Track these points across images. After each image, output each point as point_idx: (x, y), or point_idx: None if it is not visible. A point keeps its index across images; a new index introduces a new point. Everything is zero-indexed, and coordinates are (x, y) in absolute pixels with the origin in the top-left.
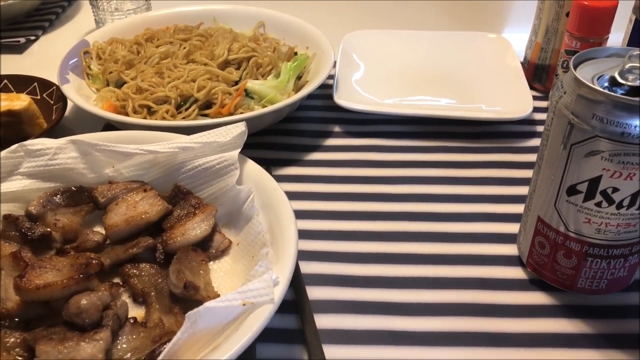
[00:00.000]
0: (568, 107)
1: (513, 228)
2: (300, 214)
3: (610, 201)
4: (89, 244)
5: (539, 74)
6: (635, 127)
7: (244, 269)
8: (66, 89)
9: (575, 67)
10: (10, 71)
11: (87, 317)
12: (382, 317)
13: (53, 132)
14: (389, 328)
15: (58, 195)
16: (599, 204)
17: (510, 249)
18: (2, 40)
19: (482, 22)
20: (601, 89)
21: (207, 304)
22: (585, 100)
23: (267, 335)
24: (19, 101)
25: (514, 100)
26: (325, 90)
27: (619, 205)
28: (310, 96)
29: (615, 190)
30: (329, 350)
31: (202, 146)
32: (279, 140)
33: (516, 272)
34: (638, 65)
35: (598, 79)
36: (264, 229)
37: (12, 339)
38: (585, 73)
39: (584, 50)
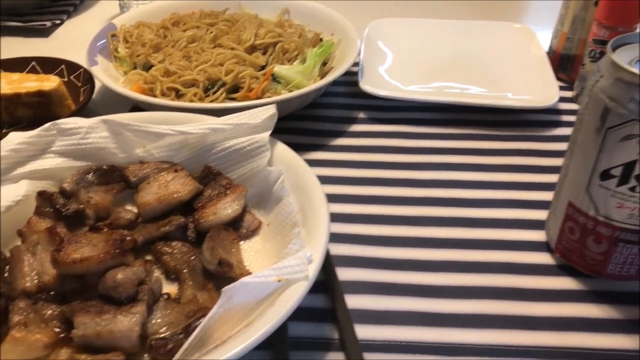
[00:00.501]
0: (605, 91)
1: (540, 215)
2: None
3: None
4: (121, 222)
5: (564, 63)
6: None
7: (275, 249)
8: (95, 71)
9: (612, 52)
10: (37, 54)
11: (124, 291)
12: (411, 299)
13: (81, 113)
14: (418, 310)
15: (91, 174)
16: (632, 189)
17: (537, 235)
18: (29, 24)
19: (505, 12)
20: None
21: (243, 280)
22: (622, 83)
23: (298, 313)
24: (49, 82)
25: (540, 89)
26: (350, 77)
27: None
28: (334, 83)
29: None
30: (360, 329)
31: (233, 128)
32: (304, 126)
33: (544, 258)
34: None
35: (635, 62)
36: (295, 209)
37: (50, 311)
38: (622, 57)
39: (620, 35)
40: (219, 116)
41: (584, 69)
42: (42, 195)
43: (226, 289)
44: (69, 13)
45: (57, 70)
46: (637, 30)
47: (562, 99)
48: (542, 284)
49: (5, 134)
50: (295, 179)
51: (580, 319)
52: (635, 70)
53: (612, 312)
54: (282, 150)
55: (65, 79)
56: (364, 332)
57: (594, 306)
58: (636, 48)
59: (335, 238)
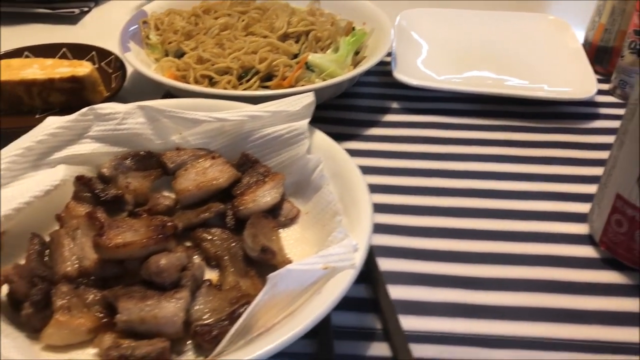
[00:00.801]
0: None
1: (580, 207)
2: None
3: None
4: (160, 208)
5: (600, 56)
6: None
7: (314, 238)
8: (129, 57)
9: None
10: (65, 41)
11: (167, 277)
12: (453, 290)
13: (113, 100)
14: (462, 301)
15: (129, 159)
16: None
17: (579, 228)
18: (58, 11)
19: (535, 4)
20: None
21: (289, 267)
22: None
23: (341, 303)
24: (82, 68)
25: (577, 81)
26: (382, 67)
27: None
28: (366, 72)
29: None
30: (403, 320)
31: (271, 115)
32: (337, 115)
33: (587, 251)
34: None
35: None
36: (335, 198)
37: (91, 296)
38: None
39: None
40: (253, 104)
41: (623, 60)
42: (80, 180)
43: (272, 275)
44: (96, 0)
45: (87, 57)
46: None
47: (599, 92)
48: (587, 277)
49: (39, 120)
50: (335, 167)
51: (627, 314)
52: None
53: None
54: (321, 138)
55: (97, 66)
56: (408, 323)
57: None
58: None
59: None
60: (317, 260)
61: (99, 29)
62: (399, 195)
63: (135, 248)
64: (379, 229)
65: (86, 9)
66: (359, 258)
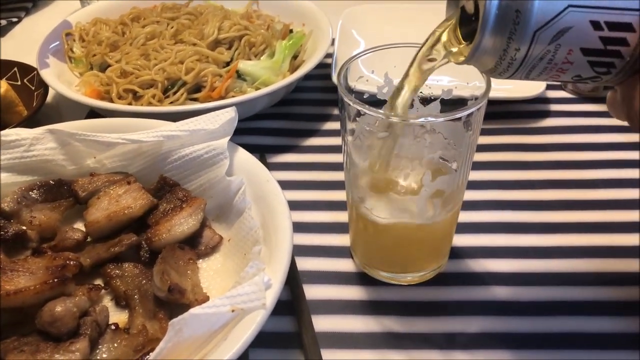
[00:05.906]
0: None
1: (532, 217)
2: (296, 205)
3: None
4: (68, 243)
5: None
6: None
7: (236, 268)
8: (45, 74)
9: None
10: None
11: (62, 326)
12: (381, 318)
13: (33, 120)
14: (395, 330)
15: (34, 190)
16: None
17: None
18: None
19: None
20: None
21: (193, 311)
22: None
23: (261, 339)
24: None
25: None
26: (323, 70)
27: None
28: (307, 77)
29: None
30: (327, 354)
31: (189, 134)
32: (274, 125)
33: None
34: None
35: None
36: (257, 224)
37: None
38: None
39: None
40: (179, 120)
41: None
42: None
43: (174, 321)
44: (27, 10)
45: (9, 74)
46: None
47: (549, 87)
48: None
49: None
50: (257, 189)
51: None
52: None
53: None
54: (244, 157)
55: (19, 83)
56: (332, 356)
57: None
58: None
59: (303, 251)
60: (225, 302)
61: (28, 40)
62: (336, 211)
63: (28, 295)
64: (309, 251)
65: (15, 19)
66: (271, 296)
